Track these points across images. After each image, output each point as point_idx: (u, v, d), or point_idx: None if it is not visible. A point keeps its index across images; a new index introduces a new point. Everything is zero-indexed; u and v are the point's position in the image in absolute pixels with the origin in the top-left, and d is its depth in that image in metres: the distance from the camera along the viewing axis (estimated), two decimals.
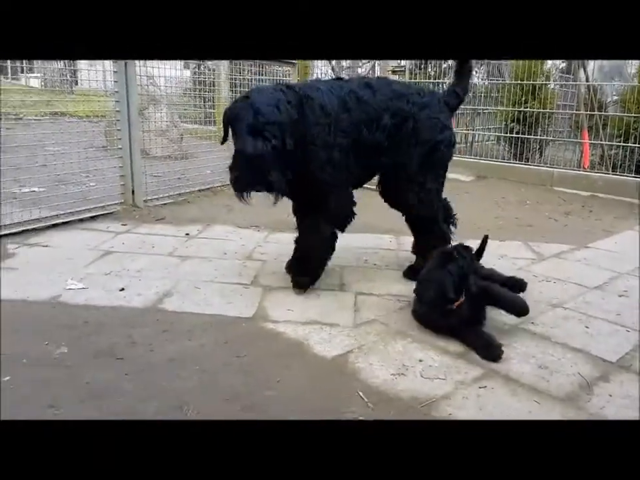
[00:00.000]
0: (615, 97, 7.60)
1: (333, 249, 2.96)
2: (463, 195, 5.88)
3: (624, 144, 6.19)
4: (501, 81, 7.80)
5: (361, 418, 1.82)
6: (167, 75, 6.21)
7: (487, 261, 2.99)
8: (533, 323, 2.60)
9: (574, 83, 7.59)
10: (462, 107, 7.82)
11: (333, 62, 11.18)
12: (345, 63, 12.28)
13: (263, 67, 6.52)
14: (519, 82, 6.97)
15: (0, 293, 2.68)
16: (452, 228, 3.31)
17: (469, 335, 2.35)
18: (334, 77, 9.98)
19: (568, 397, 1.99)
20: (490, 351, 2.25)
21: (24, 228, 3.70)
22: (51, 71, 6.84)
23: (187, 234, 3.87)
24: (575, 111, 7.42)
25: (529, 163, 6.81)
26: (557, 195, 5.98)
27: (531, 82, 6.83)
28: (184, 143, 6.60)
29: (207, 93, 7.02)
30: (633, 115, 6.20)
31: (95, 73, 6.39)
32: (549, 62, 7.90)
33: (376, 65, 8.20)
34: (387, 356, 2.25)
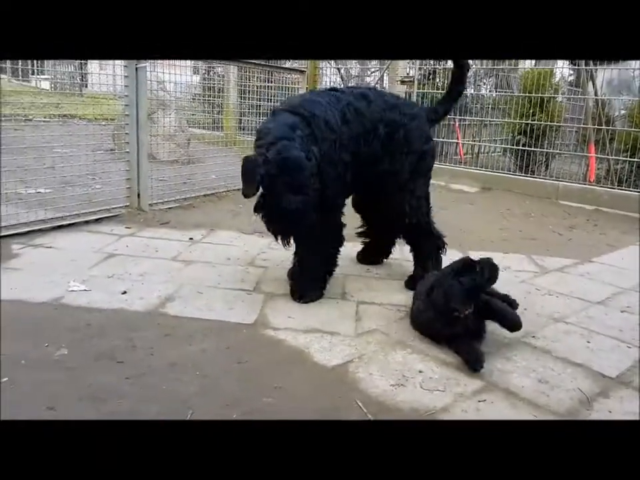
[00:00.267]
0: (623, 112, 7.59)
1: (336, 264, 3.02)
2: (468, 205, 5.89)
3: (630, 159, 6.18)
4: (509, 93, 7.81)
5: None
6: (177, 80, 6.25)
7: None
8: (534, 336, 2.60)
9: (582, 96, 7.59)
10: (469, 118, 7.88)
11: (342, 70, 11.23)
12: (353, 71, 12.33)
13: (271, 74, 6.55)
14: (527, 94, 6.97)
15: (0, 293, 2.69)
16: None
17: (463, 345, 2.35)
18: (342, 85, 10.01)
19: (568, 412, 1.98)
20: (476, 360, 2.25)
21: (29, 229, 3.72)
22: (61, 73, 6.90)
23: (191, 238, 3.88)
24: (582, 125, 7.42)
25: (535, 176, 6.80)
26: (562, 208, 5.98)
27: (539, 95, 6.84)
28: (191, 147, 6.63)
29: (215, 99, 7.07)
30: None
31: (106, 77, 6.43)
32: (558, 75, 7.91)
33: (385, 74, 8.22)
34: (387, 366, 2.25)
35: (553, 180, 6.59)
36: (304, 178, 2.46)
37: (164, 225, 4.22)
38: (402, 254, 3.79)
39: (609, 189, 6.14)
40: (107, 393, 1.94)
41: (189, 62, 6.44)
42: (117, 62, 5.43)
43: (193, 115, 7.77)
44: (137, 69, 4.27)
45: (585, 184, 6.44)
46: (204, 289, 2.95)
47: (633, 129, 6.37)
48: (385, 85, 8.98)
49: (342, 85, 10.28)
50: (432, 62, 7.81)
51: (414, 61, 7.57)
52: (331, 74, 10.52)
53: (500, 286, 2.70)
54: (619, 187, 6.13)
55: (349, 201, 3.15)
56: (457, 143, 7.94)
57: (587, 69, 7.16)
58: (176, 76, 5.97)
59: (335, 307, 2.83)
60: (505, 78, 8.35)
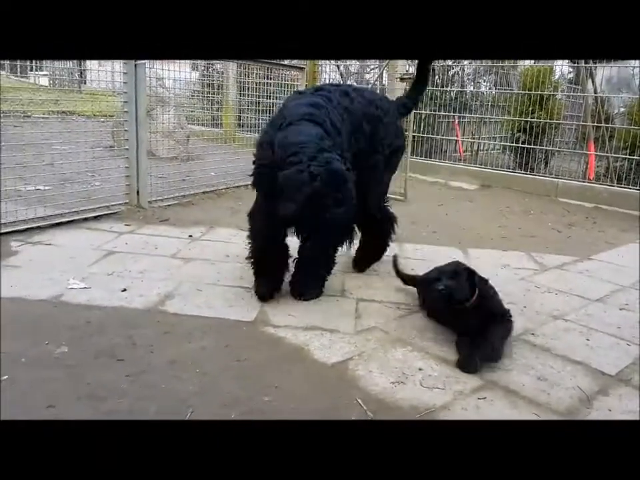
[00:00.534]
0: (622, 109, 7.59)
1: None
2: (467, 203, 5.89)
3: (630, 156, 6.18)
4: (508, 91, 7.81)
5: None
6: (176, 77, 6.24)
7: (489, 271, 2.99)
8: (533, 334, 2.60)
9: (581, 94, 7.58)
10: (468, 115, 7.88)
11: (342, 68, 11.22)
12: (352, 68, 12.32)
13: (270, 71, 6.53)
14: (527, 92, 6.97)
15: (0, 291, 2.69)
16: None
17: (462, 341, 2.35)
18: (340, 83, 9.98)
19: (567, 411, 1.98)
20: (467, 364, 2.24)
21: (28, 226, 3.71)
22: (59, 69, 6.87)
23: (190, 236, 3.88)
24: (581, 122, 7.42)
25: (534, 173, 6.80)
26: (561, 205, 5.98)
27: (539, 92, 6.83)
28: (190, 144, 6.62)
29: (214, 96, 7.05)
30: (639, 127, 6.20)
31: (105, 74, 6.42)
32: (558, 72, 7.92)
33: (384, 71, 8.20)
34: (386, 364, 2.25)
35: (552, 177, 6.59)
36: (348, 190, 2.43)
37: (163, 222, 4.21)
38: (401, 252, 3.79)
39: (608, 187, 6.15)
40: (107, 391, 1.94)
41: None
42: None
43: (192, 111, 7.76)
44: (135, 65, 4.25)
45: (584, 181, 6.45)
46: (203, 286, 2.95)
47: (632, 127, 6.37)
48: (384, 82, 8.96)
49: (341, 82, 10.27)
50: None
51: None
52: (330, 71, 10.50)
53: (499, 283, 2.71)
54: (618, 185, 6.13)
55: None
56: (456, 140, 7.94)
57: (586, 67, 7.16)
58: (175, 73, 5.95)
59: (335, 305, 2.83)
60: (504, 75, 8.34)
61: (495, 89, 8.39)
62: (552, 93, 7.09)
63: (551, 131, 7.08)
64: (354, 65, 12.19)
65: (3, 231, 3.55)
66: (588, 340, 2.58)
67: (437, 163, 7.51)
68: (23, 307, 2.57)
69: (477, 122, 8.15)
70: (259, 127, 6.15)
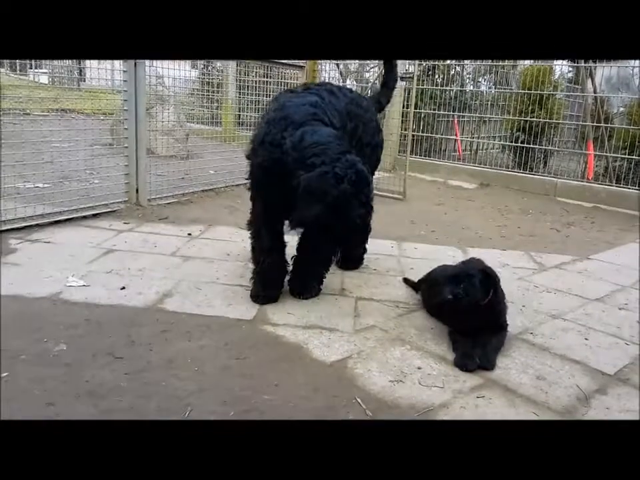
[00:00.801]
0: (622, 109, 7.60)
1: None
2: (466, 202, 5.89)
3: (629, 156, 6.19)
4: (508, 90, 7.81)
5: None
6: (175, 75, 6.23)
7: None
8: (531, 333, 2.60)
9: (581, 93, 7.59)
10: (468, 114, 7.88)
11: (341, 67, 11.20)
12: (352, 67, 12.32)
13: (270, 69, 6.53)
14: (526, 91, 6.97)
15: (0, 289, 2.69)
16: None
17: (463, 343, 2.35)
18: (341, 81, 9.96)
19: (566, 410, 1.98)
20: (463, 361, 2.25)
21: (27, 224, 3.71)
22: (59, 67, 6.86)
23: (189, 234, 3.88)
24: (580, 122, 7.43)
25: (533, 173, 6.81)
26: (560, 205, 5.99)
27: (538, 92, 6.84)
28: (189, 142, 6.61)
29: (214, 94, 7.05)
30: (638, 127, 6.20)
31: (105, 71, 6.41)
32: (557, 72, 7.92)
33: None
34: (385, 362, 2.25)
35: (551, 177, 6.60)
36: (370, 191, 2.43)
37: (162, 220, 4.21)
38: (399, 250, 3.79)
39: (607, 187, 6.16)
40: (106, 389, 1.94)
41: None
42: None
43: (191, 109, 7.75)
44: (135, 63, 4.25)
45: (583, 181, 6.46)
46: (202, 284, 2.95)
47: (631, 127, 6.37)
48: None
49: (341, 81, 10.26)
50: None
51: None
52: (329, 69, 10.49)
53: None
54: (617, 185, 6.14)
55: None
56: (455, 139, 7.95)
57: (586, 67, 7.16)
58: (174, 71, 5.94)
59: (334, 304, 2.83)
60: (504, 75, 8.35)
61: (495, 88, 8.39)
62: (551, 92, 7.10)
63: (550, 130, 7.09)
64: (353, 64, 12.19)
65: (2, 229, 3.55)
66: (586, 339, 2.58)
67: (436, 162, 7.51)
68: (22, 304, 2.56)
69: (476, 121, 8.16)
70: None
